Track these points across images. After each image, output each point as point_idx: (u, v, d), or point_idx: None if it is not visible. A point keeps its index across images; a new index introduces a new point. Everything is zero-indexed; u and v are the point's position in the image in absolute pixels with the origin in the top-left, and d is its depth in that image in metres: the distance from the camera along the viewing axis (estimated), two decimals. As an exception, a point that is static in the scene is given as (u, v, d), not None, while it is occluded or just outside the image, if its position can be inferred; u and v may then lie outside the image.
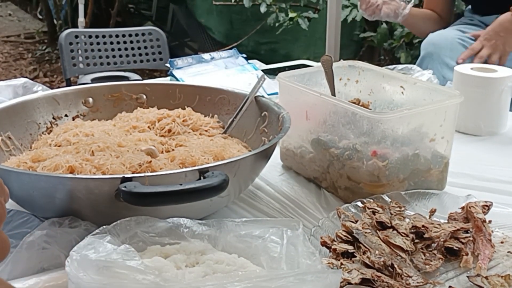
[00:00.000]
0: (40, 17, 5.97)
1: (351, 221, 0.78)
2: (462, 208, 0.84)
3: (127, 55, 2.51)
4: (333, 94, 1.07)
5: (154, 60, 2.53)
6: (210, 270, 0.62)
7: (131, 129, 1.00)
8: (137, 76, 2.74)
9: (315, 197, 0.96)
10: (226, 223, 0.70)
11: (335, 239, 0.76)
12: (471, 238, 0.78)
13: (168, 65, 1.46)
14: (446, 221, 0.83)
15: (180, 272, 0.62)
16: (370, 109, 1.05)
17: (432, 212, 0.86)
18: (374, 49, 3.76)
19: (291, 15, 3.05)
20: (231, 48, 1.60)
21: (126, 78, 2.65)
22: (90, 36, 2.45)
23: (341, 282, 0.65)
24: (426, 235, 0.77)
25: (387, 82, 1.07)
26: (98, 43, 2.46)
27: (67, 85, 2.36)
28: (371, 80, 1.10)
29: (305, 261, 0.63)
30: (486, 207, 0.83)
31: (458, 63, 1.51)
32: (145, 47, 2.52)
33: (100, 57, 2.46)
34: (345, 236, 0.76)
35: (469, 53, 1.57)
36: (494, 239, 0.79)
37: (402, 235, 0.76)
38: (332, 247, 0.74)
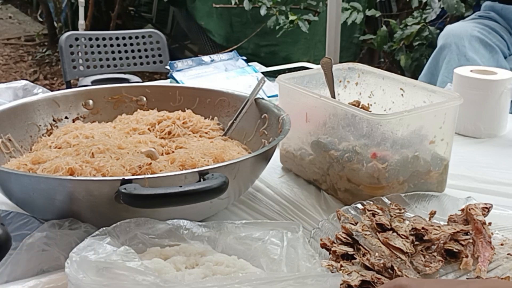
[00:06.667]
0: (41, 19, 5.97)
1: (351, 223, 0.78)
2: (462, 210, 0.84)
3: (127, 58, 2.51)
4: (333, 96, 1.07)
5: (154, 62, 2.53)
6: (209, 271, 0.62)
7: (131, 131, 1.00)
8: (137, 78, 2.74)
9: (315, 199, 0.96)
10: (226, 225, 0.70)
11: (335, 241, 0.76)
12: (471, 240, 0.78)
13: (168, 67, 1.46)
14: (446, 223, 0.83)
15: (180, 273, 0.62)
16: (370, 111, 1.05)
17: (432, 214, 0.86)
18: (374, 51, 3.76)
19: (291, 17, 3.05)
20: (231, 51, 1.60)
21: (126, 80, 2.65)
22: (90, 39, 2.46)
23: (341, 284, 0.65)
24: (426, 237, 0.77)
25: (386, 84, 1.07)
26: (98, 46, 2.46)
27: (67, 87, 2.37)
28: (371, 82, 1.11)
29: (305, 263, 0.63)
30: (486, 209, 0.83)
31: None
32: (145, 50, 2.52)
33: (100, 59, 2.46)
34: (345, 238, 0.76)
35: None
36: (494, 241, 0.79)
37: (402, 237, 0.76)
38: (332, 249, 0.74)
